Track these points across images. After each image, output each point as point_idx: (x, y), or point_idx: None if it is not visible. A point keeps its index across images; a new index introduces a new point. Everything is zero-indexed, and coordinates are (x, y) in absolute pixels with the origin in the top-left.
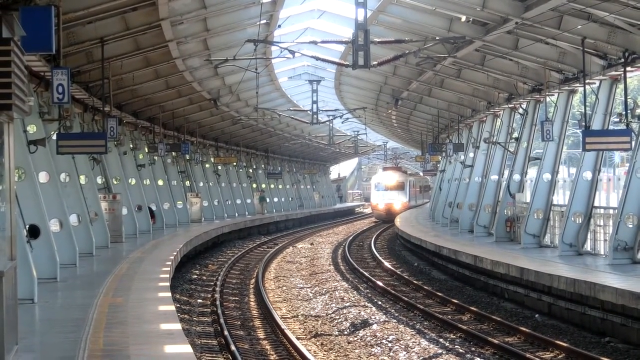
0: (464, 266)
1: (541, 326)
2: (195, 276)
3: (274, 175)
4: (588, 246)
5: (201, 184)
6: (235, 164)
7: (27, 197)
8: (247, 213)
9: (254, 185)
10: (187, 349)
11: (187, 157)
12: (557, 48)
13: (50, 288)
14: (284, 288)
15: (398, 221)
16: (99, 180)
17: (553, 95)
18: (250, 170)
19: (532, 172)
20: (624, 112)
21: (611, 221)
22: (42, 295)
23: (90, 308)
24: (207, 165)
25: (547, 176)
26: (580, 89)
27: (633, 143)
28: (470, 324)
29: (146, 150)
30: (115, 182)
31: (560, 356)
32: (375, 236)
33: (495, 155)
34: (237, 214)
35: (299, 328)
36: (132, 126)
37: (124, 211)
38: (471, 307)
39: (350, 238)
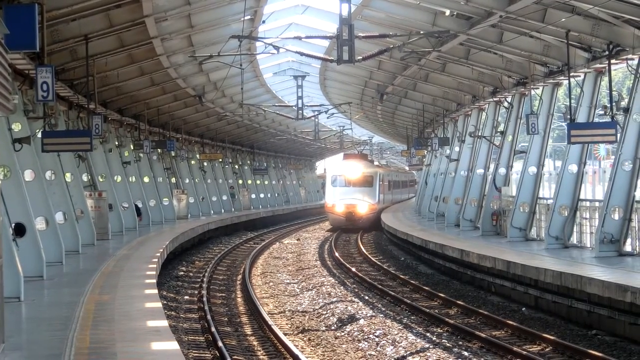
0: (450, 260)
1: (528, 319)
2: (182, 273)
3: (259, 171)
4: (574, 239)
5: (187, 181)
6: (221, 160)
7: (13, 196)
8: (233, 209)
9: (240, 181)
10: (174, 345)
11: (173, 153)
12: (542, 41)
13: (36, 286)
14: (271, 284)
15: (384, 216)
16: (85, 177)
17: (538, 88)
18: (236, 167)
19: (517, 166)
20: (609, 105)
21: (597, 214)
22: (28, 294)
23: (77, 306)
24: (192, 162)
25: (532, 169)
26: (565, 82)
27: (618, 135)
28: (457, 318)
29: (132, 147)
30: (101, 180)
31: (547, 349)
32: (361, 231)
33: (480, 149)
34: (223, 210)
35: (286, 324)
36: (117, 123)
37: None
38: (458, 301)
39: (337, 233)
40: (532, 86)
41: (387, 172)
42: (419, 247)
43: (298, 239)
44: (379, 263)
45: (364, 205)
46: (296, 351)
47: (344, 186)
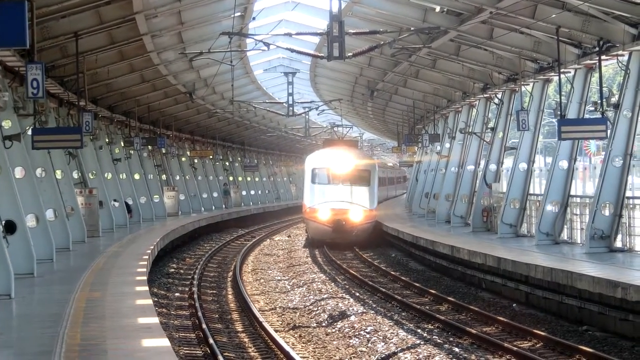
0: (441, 257)
1: (519, 315)
2: (173, 270)
3: (250, 167)
4: (565, 235)
5: (177, 178)
6: (211, 157)
7: (3, 193)
8: (223, 206)
9: (231, 178)
10: (164, 342)
11: (164, 150)
12: (532, 37)
13: (27, 283)
14: (262, 280)
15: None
16: (75, 175)
17: (528, 84)
18: (227, 163)
19: (508, 162)
20: (599, 101)
21: (587, 210)
22: (19, 291)
23: (68, 303)
24: (183, 159)
25: (523, 166)
26: (556, 78)
27: (608, 131)
28: (448, 314)
29: (122, 144)
30: (91, 177)
31: (537, 345)
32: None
33: (471, 146)
34: (213, 207)
35: (277, 320)
36: (107, 120)
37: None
38: (449, 298)
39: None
40: (522, 82)
41: (383, 167)
42: (410, 244)
43: (289, 236)
44: (369, 260)
45: (357, 211)
46: (287, 348)
47: (329, 184)
